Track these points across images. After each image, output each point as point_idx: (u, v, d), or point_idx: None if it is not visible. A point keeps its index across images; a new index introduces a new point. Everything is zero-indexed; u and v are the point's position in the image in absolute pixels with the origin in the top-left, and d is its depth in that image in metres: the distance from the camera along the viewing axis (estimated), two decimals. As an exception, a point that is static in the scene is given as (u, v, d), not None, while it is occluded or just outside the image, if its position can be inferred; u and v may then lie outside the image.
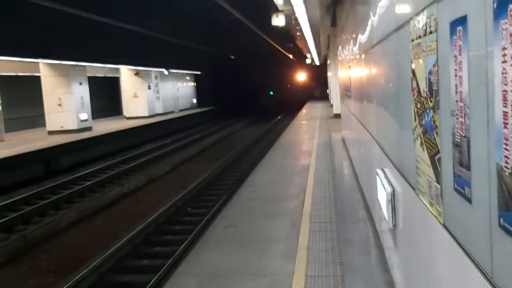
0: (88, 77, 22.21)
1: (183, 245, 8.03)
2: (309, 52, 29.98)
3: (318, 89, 51.89)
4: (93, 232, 10.03)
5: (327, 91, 38.01)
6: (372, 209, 6.14)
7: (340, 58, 13.46)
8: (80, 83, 20.92)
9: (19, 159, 14.41)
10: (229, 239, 6.07)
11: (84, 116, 20.84)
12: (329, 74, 29.99)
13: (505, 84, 1.33)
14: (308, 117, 25.72)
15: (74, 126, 20.21)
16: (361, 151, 7.69)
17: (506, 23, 1.30)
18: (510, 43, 1.28)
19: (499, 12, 1.35)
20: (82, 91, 21.01)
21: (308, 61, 40.05)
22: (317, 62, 41.66)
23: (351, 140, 10.59)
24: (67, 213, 10.89)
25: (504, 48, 1.33)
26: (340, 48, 13.21)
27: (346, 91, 11.24)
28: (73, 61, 19.39)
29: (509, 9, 1.27)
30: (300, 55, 38.91)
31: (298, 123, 22.28)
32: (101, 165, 16.27)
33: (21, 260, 8.56)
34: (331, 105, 27.23)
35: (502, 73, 1.35)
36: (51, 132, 20.08)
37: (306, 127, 19.82)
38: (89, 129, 20.98)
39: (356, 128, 8.45)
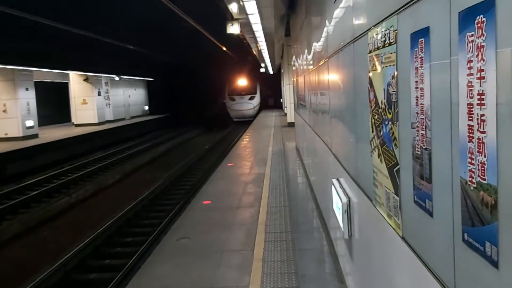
0: (35, 82, 21.29)
1: (134, 258, 7.76)
2: (264, 61, 30.18)
3: (272, 98, 52.26)
4: (39, 244, 9.53)
5: (281, 100, 38.42)
6: (327, 218, 6.16)
7: (294, 68, 13.58)
8: (27, 89, 20.01)
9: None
10: (182, 252, 5.90)
11: (30, 123, 19.93)
12: (282, 83, 30.29)
13: (471, 97, 1.31)
14: (263, 125, 25.81)
15: (19, 133, 19.28)
16: (316, 161, 7.73)
17: (472, 35, 1.28)
18: (476, 56, 1.26)
19: (464, 24, 1.34)
20: (29, 97, 20.10)
21: (262, 70, 40.38)
22: (271, 71, 42.04)
23: (305, 149, 10.66)
24: (10, 225, 10.30)
25: (469, 61, 1.31)
26: (294, 57, 13.33)
27: (301, 101, 11.32)
28: (19, 65, 18.54)
29: (475, 21, 1.26)
30: (255, 64, 39.47)
31: (253, 132, 22.29)
32: (48, 174, 15.57)
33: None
34: (285, 114, 27.46)
35: (468, 86, 1.33)
36: (-6, 139, 19.08)
37: (261, 136, 19.85)
38: (35, 136, 20.07)
39: (310, 138, 8.50)
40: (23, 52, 18.02)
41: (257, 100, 39.75)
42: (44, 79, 25.97)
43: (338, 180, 4.53)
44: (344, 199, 3.86)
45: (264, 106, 48.65)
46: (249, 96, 39.30)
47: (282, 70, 29.21)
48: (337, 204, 4.23)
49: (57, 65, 22.02)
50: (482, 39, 1.22)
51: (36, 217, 11.08)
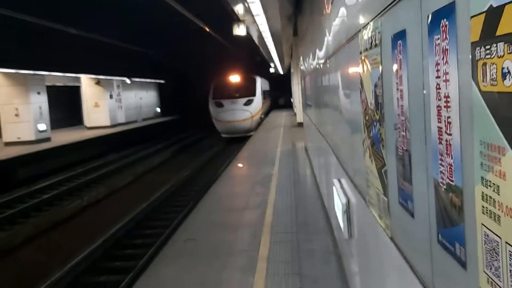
0: (47, 86, 21.57)
1: (143, 259, 7.83)
2: (273, 61, 30.17)
3: (283, 98, 52.30)
4: (50, 247, 9.67)
5: (291, 99, 38.35)
6: (332, 219, 6.16)
7: (301, 68, 13.58)
8: (39, 93, 20.28)
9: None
10: (188, 253, 5.95)
11: (42, 126, 20.19)
12: (292, 82, 30.28)
13: (439, 100, 1.32)
14: (272, 125, 25.81)
15: (31, 137, 19.54)
16: (321, 161, 7.73)
17: (438, 38, 1.30)
18: (443, 59, 1.27)
19: (432, 27, 1.35)
20: (41, 101, 20.36)
21: (271, 70, 40.25)
22: (280, 71, 42.00)
23: (312, 149, 10.66)
24: (22, 228, 10.48)
25: (437, 64, 1.32)
26: (301, 57, 13.33)
27: (307, 101, 11.32)
28: (31, 70, 18.80)
29: (441, 24, 1.27)
30: (265, 65, 38.93)
31: (262, 132, 22.32)
32: (60, 177, 15.77)
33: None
34: (295, 114, 27.44)
35: (436, 88, 1.34)
36: (7, 143, 19.36)
37: (270, 136, 19.87)
38: (47, 140, 20.33)
39: (316, 138, 8.50)
40: (35, 56, 18.26)
41: (256, 104, 26.15)
42: (56, 83, 26.28)
43: (339, 180, 4.53)
44: (344, 200, 3.87)
45: (274, 106, 48.45)
46: (244, 100, 25.65)
47: (292, 70, 29.19)
48: (338, 205, 4.24)
49: (69, 69, 22.26)
50: (446, 43, 1.24)
51: (48, 220, 11.24)
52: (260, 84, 27.74)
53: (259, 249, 5.83)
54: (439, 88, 1.31)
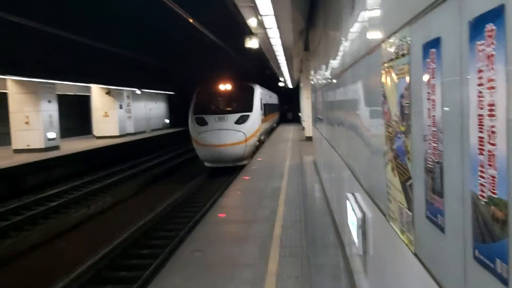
0: (58, 95, 21.71)
1: (149, 270, 7.75)
2: (282, 75, 30.26)
3: (291, 112, 52.31)
4: (56, 255, 9.62)
5: (299, 114, 38.36)
6: (342, 233, 6.06)
7: (312, 82, 13.57)
8: (49, 101, 20.41)
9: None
10: (195, 264, 5.87)
11: (52, 134, 20.28)
12: (301, 97, 30.31)
13: (481, 108, 1.27)
14: (280, 139, 25.76)
15: (41, 144, 19.62)
16: (332, 175, 7.65)
17: (482, 44, 1.24)
18: (487, 66, 1.22)
19: (474, 33, 1.30)
20: (51, 109, 20.49)
21: (281, 84, 40.33)
22: (290, 85, 42.13)
23: (322, 163, 10.58)
24: (29, 235, 10.45)
25: (480, 71, 1.27)
26: (312, 71, 13.32)
27: (318, 114, 11.28)
28: (42, 78, 18.94)
29: (485, 29, 1.22)
30: (274, 78, 38.98)
31: (270, 145, 22.26)
32: (68, 185, 15.77)
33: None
34: (303, 128, 27.40)
35: (478, 96, 1.29)
36: (16, 151, 19.44)
37: (278, 149, 19.80)
38: (56, 148, 20.41)
39: (327, 151, 8.43)
40: (46, 65, 18.41)
41: (253, 122, 19.21)
42: (67, 92, 26.47)
43: (353, 194, 4.46)
44: (359, 214, 3.79)
45: (282, 120, 48.39)
46: (235, 116, 18.76)
47: (301, 84, 29.23)
48: (352, 219, 4.16)
49: (80, 78, 22.41)
50: (492, 48, 1.19)
51: (54, 228, 11.21)
52: (260, 95, 20.85)
53: (267, 262, 5.74)
54: (482, 96, 1.26)
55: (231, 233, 7.18)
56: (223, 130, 17.96)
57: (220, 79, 20.32)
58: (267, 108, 25.16)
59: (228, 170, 17.78)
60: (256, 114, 19.44)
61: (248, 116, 18.80)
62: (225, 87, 20.07)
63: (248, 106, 19.26)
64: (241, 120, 18.53)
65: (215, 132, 17.97)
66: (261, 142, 22.04)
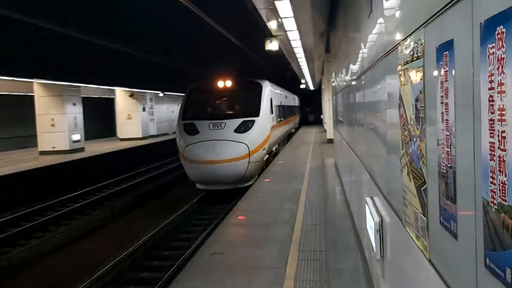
0: (83, 97, 22.13)
1: (170, 271, 7.81)
2: (304, 77, 30.16)
3: (313, 114, 52.09)
4: (79, 256, 9.79)
5: (321, 116, 38.16)
6: (362, 237, 6.00)
7: (333, 84, 13.48)
8: (74, 104, 20.82)
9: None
10: (214, 267, 5.88)
11: (76, 137, 20.67)
12: (323, 99, 30.16)
13: (492, 113, 1.23)
14: (302, 142, 25.66)
15: (66, 146, 20.02)
16: (352, 178, 7.58)
17: (493, 47, 1.21)
18: (497, 69, 1.19)
19: (485, 35, 1.26)
20: (76, 112, 20.89)
21: (302, 86, 40.20)
22: (311, 87, 41.94)
23: (343, 166, 10.49)
24: (54, 236, 10.66)
25: (491, 74, 1.23)
26: (333, 73, 13.24)
27: (339, 117, 11.20)
28: (67, 81, 19.33)
29: (497, 32, 1.18)
30: (296, 80, 38.84)
31: (291, 148, 22.20)
32: (92, 186, 16.03)
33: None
34: (325, 130, 27.25)
35: (489, 100, 1.25)
36: (42, 152, 19.88)
37: (300, 152, 19.72)
38: (81, 150, 20.78)
39: (347, 154, 8.36)
40: (72, 68, 18.77)
41: (260, 131, 14.59)
42: (91, 95, 26.95)
43: (372, 198, 4.40)
44: (377, 219, 3.74)
45: (304, 122, 48.20)
46: (236, 123, 14.21)
47: (323, 86, 29.08)
48: (370, 224, 4.11)
49: (104, 81, 22.77)
50: (502, 51, 1.15)
51: (78, 229, 11.41)
52: (270, 94, 16.14)
53: (286, 266, 5.72)
54: (493, 101, 1.22)
55: (251, 236, 7.17)
56: (219, 141, 13.23)
57: (218, 75, 16.01)
58: (282, 111, 20.92)
59: (226, 193, 13.66)
60: (264, 119, 14.74)
61: (253, 122, 14.06)
62: (224, 84, 15.60)
63: (253, 109, 14.67)
64: (243, 128, 13.81)
65: (208, 143, 13.21)
66: (273, 154, 18.04)
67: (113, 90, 27.50)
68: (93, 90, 25.85)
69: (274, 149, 17.99)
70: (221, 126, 13.69)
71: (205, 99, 15.67)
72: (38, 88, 20.00)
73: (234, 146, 13.17)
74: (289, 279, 5.30)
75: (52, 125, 20.03)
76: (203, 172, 13.13)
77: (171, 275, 7.47)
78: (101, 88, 26.12)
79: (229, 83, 15.58)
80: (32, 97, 20.50)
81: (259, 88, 15.54)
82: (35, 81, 19.08)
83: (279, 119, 18.94)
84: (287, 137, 26.12)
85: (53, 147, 19.87)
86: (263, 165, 15.17)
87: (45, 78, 18.05)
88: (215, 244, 6.85)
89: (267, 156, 15.48)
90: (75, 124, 20.71)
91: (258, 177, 13.80)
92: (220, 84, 15.59)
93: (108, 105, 31.00)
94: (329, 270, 5.54)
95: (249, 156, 13.27)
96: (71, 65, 18.36)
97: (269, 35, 12.23)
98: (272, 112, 16.08)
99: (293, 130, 31.32)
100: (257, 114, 14.45)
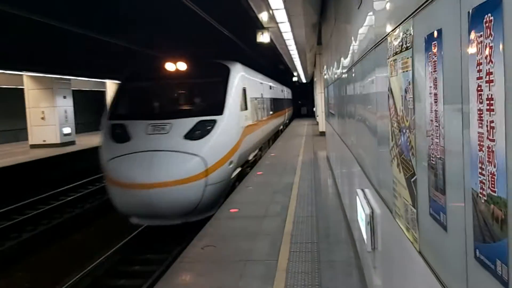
0: (74, 90, 21.92)
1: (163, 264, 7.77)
2: (296, 70, 30.12)
3: (305, 107, 52.13)
4: (70, 249, 9.75)
5: (314, 109, 38.20)
6: (353, 229, 6.01)
7: (325, 76, 13.47)
8: (64, 97, 20.64)
9: None
10: (206, 260, 5.87)
11: (67, 130, 20.51)
12: (315, 91, 30.16)
13: (480, 103, 1.21)
14: (294, 134, 25.67)
15: (57, 140, 19.87)
16: (344, 170, 7.59)
17: (481, 36, 1.19)
18: (485, 58, 1.16)
19: (474, 24, 1.24)
20: (66, 105, 20.72)
21: (295, 79, 40.18)
22: (303, 80, 41.93)
23: (335, 158, 10.50)
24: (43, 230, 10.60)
25: (479, 63, 1.21)
26: (325, 66, 13.22)
27: (330, 109, 11.19)
28: (57, 74, 19.14)
29: (484, 20, 1.16)
30: (288, 73, 38.77)
31: (283, 141, 22.20)
32: (83, 180, 15.94)
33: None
34: (317, 123, 27.28)
35: (477, 90, 1.23)
36: (33, 146, 19.71)
37: (292, 145, 19.73)
38: (72, 143, 20.63)
39: (339, 147, 8.36)
40: (62, 61, 18.58)
41: (225, 135, 9.57)
42: (82, 88, 26.72)
43: (363, 190, 4.40)
44: (367, 210, 3.74)
45: (296, 115, 48.19)
46: (187, 125, 9.20)
47: (315, 79, 29.06)
48: (361, 215, 4.11)
49: (95, 74, 22.57)
50: (490, 40, 1.13)
51: (68, 222, 11.35)
52: (241, 82, 11.49)
53: (278, 258, 5.72)
54: (481, 90, 1.20)
55: (243, 228, 7.16)
56: (159, 153, 8.67)
57: (168, 55, 11.23)
58: (264, 106, 16.81)
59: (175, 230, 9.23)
60: (232, 118, 10.15)
61: (213, 122, 9.48)
62: (175, 68, 10.67)
63: (215, 104, 10.08)
64: (198, 132, 9.23)
65: (141, 157, 8.63)
66: (251, 163, 13.50)
67: (104, 83, 27.28)
68: (84, 83, 25.63)
69: (252, 157, 13.39)
70: (165, 130, 9.15)
71: (144, 90, 10.95)
72: (27, 81, 19.80)
73: (182, 161, 8.64)
74: (281, 271, 5.31)
75: (43, 118, 19.86)
76: (134, 201, 8.41)
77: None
78: (92, 81, 25.89)
79: (181, 66, 10.65)
80: (22, 90, 20.29)
81: (226, 73, 10.77)
82: (25, 74, 18.88)
83: (258, 117, 14.52)
84: (276, 133, 22.83)
85: (44, 141, 19.71)
86: (233, 183, 10.57)
87: (34, 70, 17.85)
88: (207, 237, 6.84)
89: (238, 170, 10.91)
90: (66, 117, 20.55)
91: (222, 203, 9.17)
92: (169, 67, 10.65)
93: (99, 97, 30.77)
94: (321, 262, 5.55)
95: (206, 176, 8.80)
96: (61, 57, 18.18)
97: (260, 27, 12.15)
98: (246, 108, 11.77)
99: (281, 127, 27.18)
100: (219, 111, 9.80)
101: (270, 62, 30.50)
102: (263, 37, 12.30)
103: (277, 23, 11.20)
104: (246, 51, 23.62)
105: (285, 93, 30.94)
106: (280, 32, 12.86)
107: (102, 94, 29.61)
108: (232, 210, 8.35)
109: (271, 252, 5.98)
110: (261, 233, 6.86)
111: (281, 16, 10.30)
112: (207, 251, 6.20)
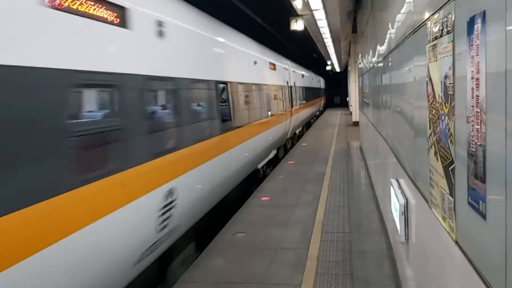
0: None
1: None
2: (330, 58, 29.76)
3: (338, 96, 51.57)
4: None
5: (347, 98, 37.73)
6: (386, 220, 5.93)
7: (360, 65, 13.25)
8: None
9: None
10: (237, 246, 5.92)
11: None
12: (349, 81, 29.76)
13: (527, 87, 1.16)
14: (327, 124, 25.45)
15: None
16: (377, 160, 7.48)
17: (529, 16, 1.14)
18: (533, 39, 1.11)
19: (521, 4, 1.19)
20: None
21: (328, 67, 39.70)
22: (337, 69, 41.42)
23: (368, 148, 10.37)
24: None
25: (526, 45, 1.16)
26: (359, 54, 13.00)
27: (365, 99, 11.03)
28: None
29: (532, -1, 1.11)
30: (321, 62, 38.23)
31: (316, 130, 22.05)
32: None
33: None
34: (350, 113, 26.96)
35: (524, 74, 1.18)
36: None
37: (324, 134, 19.58)
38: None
39: (373, 137, 8.24)
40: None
41: None
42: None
43: (397, 180, 4.33)
44: (402, 201, 3.68)
45: (329, 104, 47.73)
46: None
47: (349, 68, 28.65)
48: (395, 206, 4.05)
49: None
50: (539, 20, 1.08)
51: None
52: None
53: (309, 246, 5.72)
54: (528, 74, 1.15)
55: (273, 216, 7.18)
56: None
57: None
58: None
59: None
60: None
61: None
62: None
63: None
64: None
65: None
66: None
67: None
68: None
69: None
70: None
71: None
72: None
73: None
74: (312, 259, 5.30)
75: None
76: None
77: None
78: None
79: None
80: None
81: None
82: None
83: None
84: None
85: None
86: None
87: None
88: (238, 224, 6.89)
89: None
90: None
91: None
92: None
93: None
94: (352, 252, 5.52)
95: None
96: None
97: (294, 14, 12.03)
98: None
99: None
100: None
101: (303, 50, 30.23)
102: (297, 25, 12.17)
103: (311, 10, 11.06)
104: (280, 40, 23.47)
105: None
106: (314, 20, 12.70)
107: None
108: (263, 198, 8.38)
109: (302, 240, 5.98)
110: (292, 221, 6.86)
111: (315, 3, 10.17)
112: (237, 237, 6.26)
